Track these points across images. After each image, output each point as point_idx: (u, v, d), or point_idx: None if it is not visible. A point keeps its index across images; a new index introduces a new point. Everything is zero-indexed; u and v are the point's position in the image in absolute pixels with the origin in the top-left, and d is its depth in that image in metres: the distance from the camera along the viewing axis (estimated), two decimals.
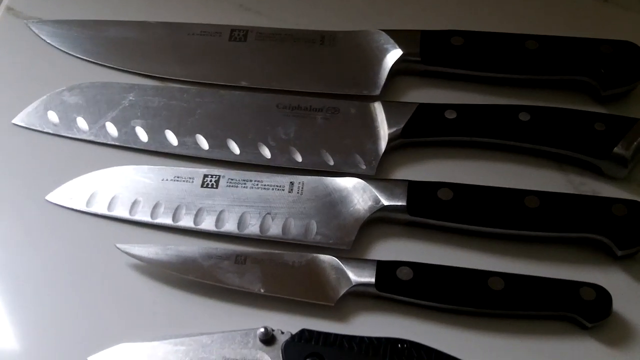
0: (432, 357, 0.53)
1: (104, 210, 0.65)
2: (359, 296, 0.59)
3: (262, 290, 0.59)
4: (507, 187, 0.64)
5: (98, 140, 0.70)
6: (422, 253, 0.62)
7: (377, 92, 0.72)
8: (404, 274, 0.59)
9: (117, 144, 0.69)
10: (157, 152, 0.69)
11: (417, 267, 0.59)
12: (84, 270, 0.62)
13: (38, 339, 0.59)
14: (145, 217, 0.64)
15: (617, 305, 0.58)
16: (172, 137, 0.69)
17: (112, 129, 0.70)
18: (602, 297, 0.57)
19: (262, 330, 0.55)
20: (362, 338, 0.54)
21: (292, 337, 0.55)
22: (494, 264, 0.61)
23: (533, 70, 0.71)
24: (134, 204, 0.64)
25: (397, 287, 0.58)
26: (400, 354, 0.53)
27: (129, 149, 0.69)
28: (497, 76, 0.72)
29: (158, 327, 0.58)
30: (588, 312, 0.57)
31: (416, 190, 0.63)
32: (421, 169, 0.68)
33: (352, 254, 0.62)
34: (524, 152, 0.68)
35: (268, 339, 0.55)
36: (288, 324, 0.56)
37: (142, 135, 0.69)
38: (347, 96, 0.72)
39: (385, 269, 0.59)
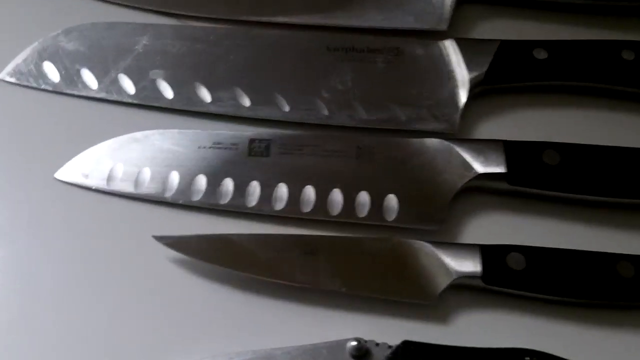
0: None
1: (128, 189, 0.52)
2: (460, 290, 0.48)
3: (342, 289, 0.47)
4: (617, 143, 0.53)
5: (111, 98, 0.56)
6: (528, 230, 0.51)
7: (444, 26, 0.59)
8: (515, 261, 0.48)
9: (135, 101, 0.56)
10: (186, 112, 0.56)
11: (530, 253, 0.48)
12: (109, 267, 0.49)
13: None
14: (182, 196, 0.51)
15: None
16: (203, 92, 0.55)
17: (127, 83, 0.56)
18: None
19: (354, 343, 0.44)
20: (479, 350, 0.43)
21: (394, 351, 0.43)
22: (616, 240, 0.51)
23: None
24: (166, 180, 0.52)
25: (508, 277, 0.48)
26: None
27: (151, 107, 0.56)
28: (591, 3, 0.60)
29: (214, 338, 0.46)
30: None
31: (516, 153, 0.52)
32: (509, 122, 0.56)
33: (442, 235, 0.51)
34: (628, 98, 0.57)
35: (361, 354, 0.44)
36: (379, 330, 0.45)
37: (166, 90, 0.56)
38: (405, 32, 0.59)
39: (492, 256, 0.48)
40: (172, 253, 0.49)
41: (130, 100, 0.56)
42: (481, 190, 0.52)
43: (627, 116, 0.57)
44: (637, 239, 0.51)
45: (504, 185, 0.52)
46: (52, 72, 0.56)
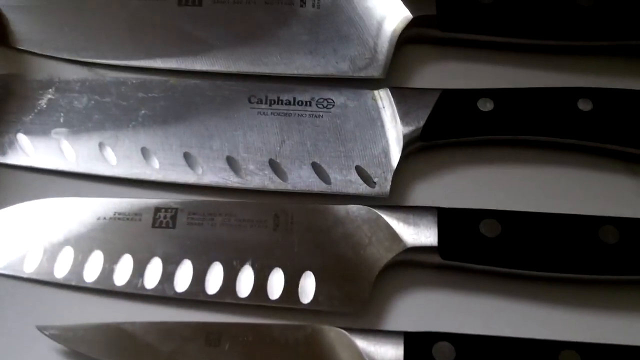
0: None
1: (15, 269, 0.47)
2: None
3: None
4: (573, 205, 0.48)
5: (6, 162, 0.51)
6: (462, 311, 0.46)
7: (381, 73, 0.53)
8: (443, 352, 0.42)
9: (33, 165, 0.51)
10: (90, 176, 0.50)
11: (461, 341, 0.43)
12: None
13: None
14: (74, 277, 0.46)
15: None
16: (108, 154, 0.50)
17: (26, 144, 0.51)
18: None
19: None
20: None
21: None
22: (561, 322, 0.45)
23: (585, 34, 0.54)
24: (57, 258, 0.46)
25: None
26: None
27: (50, 172, 0.50)
28: (540, 43, 0.54)
29: None
30: None
31: (450, 223, 0.46)
32: (447, 183, 0.51)
33: (365, 318, 0.45)
34: (582, 150, 0.51)
35: None
36: None
37: (68, 151, 0.50)
38: (338, 80, 0.54)
39: (416, 346, 0.42)
40: (57, 344, 0.43)
41: (28, 164, 0.50)
42: (411, 265, 0.47)
43: (584, 173, 0.51)
44: (585, 321, 0.45)
45: (436, 259, 0.46)
46: None
